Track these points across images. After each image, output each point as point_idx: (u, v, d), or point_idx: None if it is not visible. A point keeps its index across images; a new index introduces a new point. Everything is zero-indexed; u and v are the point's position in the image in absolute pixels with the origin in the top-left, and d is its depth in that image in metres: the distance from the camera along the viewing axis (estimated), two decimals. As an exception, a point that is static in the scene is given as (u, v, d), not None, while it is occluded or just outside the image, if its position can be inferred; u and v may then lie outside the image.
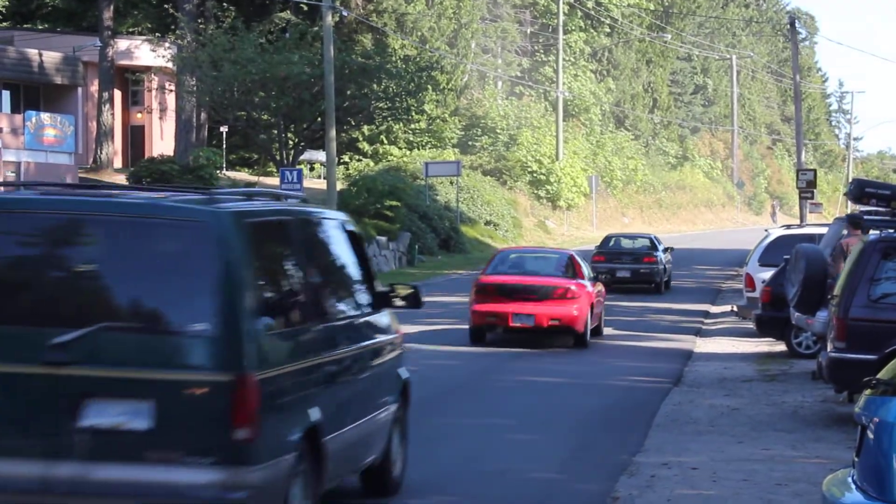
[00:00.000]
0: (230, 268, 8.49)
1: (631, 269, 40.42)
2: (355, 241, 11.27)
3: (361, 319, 10.91)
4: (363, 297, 11.16)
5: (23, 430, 8.39)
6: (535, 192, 77.73)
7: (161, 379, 8.33)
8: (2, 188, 10.09)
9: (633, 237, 44.77)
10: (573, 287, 25.18)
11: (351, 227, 11.33)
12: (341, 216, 11.51)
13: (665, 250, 41.90)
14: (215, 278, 8.46)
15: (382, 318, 11.48)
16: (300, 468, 9.02)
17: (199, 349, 8.43)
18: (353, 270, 11.13)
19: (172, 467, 8.27)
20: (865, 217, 21.86)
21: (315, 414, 9.26)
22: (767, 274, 25.59)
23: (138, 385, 8.34)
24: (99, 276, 8.67)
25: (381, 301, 11.39)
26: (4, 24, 70.62)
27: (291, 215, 10.03)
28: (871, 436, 7.99)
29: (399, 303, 11.46)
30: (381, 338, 11.31)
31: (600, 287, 27.74)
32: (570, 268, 26.24)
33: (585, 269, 26.72)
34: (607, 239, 43.30)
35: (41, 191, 9.52)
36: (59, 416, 8.33)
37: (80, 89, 59.67)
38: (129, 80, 66.90)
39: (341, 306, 10.65)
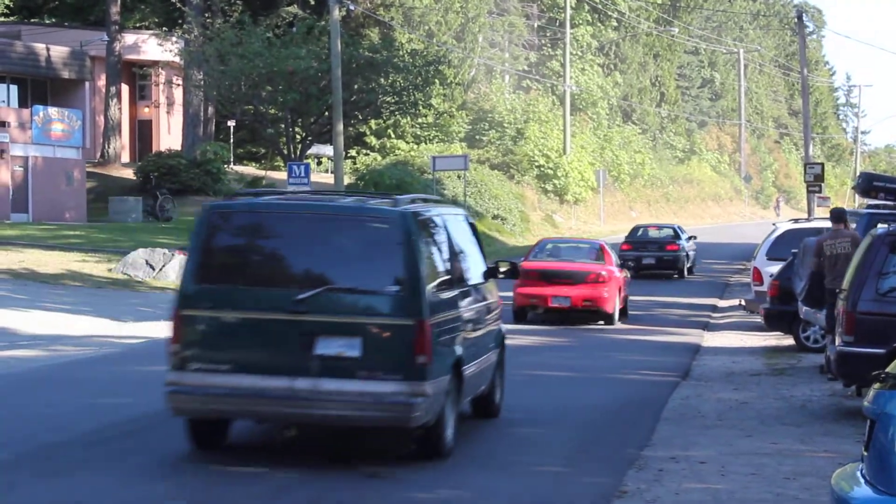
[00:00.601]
0: (410, 249, 12.48)
1: (656, 257, 44.26)
2: (473, 229, 15.55)
3: (480, 286, 14.95)
4: (480, 270, 15.19)
5: (275, 357, 12.38)
6: (543, 186, 77.71)
7: (367, 322, 12.33)
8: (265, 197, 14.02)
9: (659, 227, 48.82)
10: (603, 273, 28.94)
11: (470, 220, 15.66)
12: (463, 212, 15.75)
13: (689, 239, 45.54)
14: (401, 256, 12.44)
15: (490, 286, 15.57)
16: (451, 387, 13.05)
17: (393, 303, 12.38)
18: (474, 251, 15.20)
19: (375, 381, 12.22)
20: (872, 211, 21.87)
21: (459, 350, 13.35)
22: (775, 268, 25.59)
23: (352, 327, 12.31)
24: (325, 254, 12.72)
25: (489, 273, 15.57)
26: (12, 18, 70.65)
27: (440, 213, 14.10)
28: (880, 430, 7.98)
29: (501, 275, 15.94)
30: (490, 300, 15.37)
31: (626, 273, 31.40)
32: (601, 256, 30.15)
33: (614, 257, 30.68)
34: (635, 229, 47.35)
35: (287, 196, 14.11)
36: (300, 348, 12.30)
37: (87, 84, 59.75)
38: (137, 75, 66.97)
39: (469, 276, 14.59)
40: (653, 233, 46.72)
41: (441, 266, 13.44)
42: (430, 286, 12.62)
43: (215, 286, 12.66)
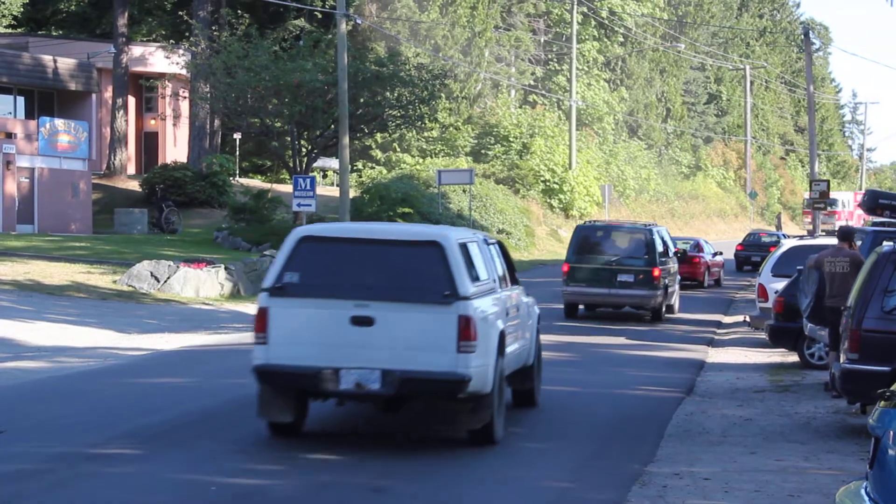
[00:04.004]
0: (652, 242, 33.18)
1: (761, 256, 54.05)
2: (668, 233, 37.60)
3: (672, 255, 35.93)
4: (672, 252, 36.41)
5: (601, 281, 33.06)
6: (548, 200, 77.71)
7: (636, 269, 32.95)
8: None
9: (769, 234, 62.74)
10: (697, 256, 47.27)
11: (666, 230, 38.52)
12: (664, 227, 38.49)
13: None
14: (649, 245, 33.14)
15: (675, 262, 36.52)
16: (664, 294, 33.92)
17: (645, 262, 32.94)
18: (670, 243, 36.52)
19: (638, 289, 32.93)
20: (877, 229, 21.85)
21: (666, 280, 33.85)
22: (780, 284, 25.58)
23: (630, 271, 32.91)
24: (618, 244, 33.82)
25: (675, 254, 37.40)
26: (19, 30, 70.80)
27: (660, 228, 35.70)
28: (885, 448, 7.98)
29: (677, 257, 38.04)
30: (675, 264, 36.43)
31: (718, 258, 49.38)
32: (698, 246, 48.39)
33: (706, 247, 49.15)
34: (749, 234, 63.10)
35: (595, 220, 40.85)
36: (610, 278, 33.05)
37: (94, 95, 59.82)
38: (143, 87, 67.02)
39: (670, 253, 35.55)
40: (762, 238, 60.06)
41: (661, 248, 33.71)
42: (658, 257, 32.67)
43: (580, 255, 32.95)
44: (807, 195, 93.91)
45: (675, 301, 35.69)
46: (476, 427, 14.55)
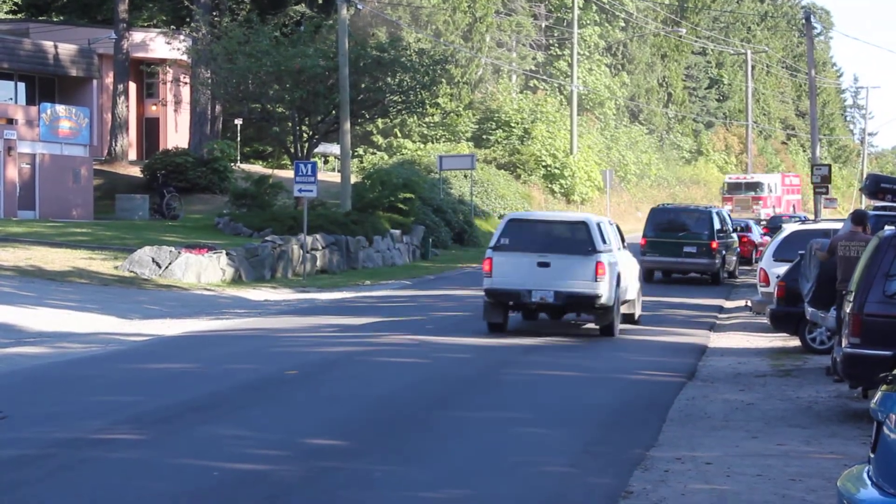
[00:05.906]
0: (711, 220, 41.55)
1: None
2: (729, 216, 46.89)
3: (733, 235, 44.79)
4: (730, 229, 44.22)
5: (671, 252, 41.18)
6: (549, 186, 77.67)
7: (698, 242, 41.04)
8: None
9: (790, 216, 64.61)
10: (746, 236, 51.14)
11: (727, 212, 49.31)
12: (723, 209, 50.56)
13: None
14: (709, 222, 41.41)
15: (734, 237, 45.11)
16: (721, 262, 42.07)
17: (706, 236, 41.06)
18: (729, 223, 45.12)
19: (700, 258, 41.30)
20: (879, 213, 21.81)
21: (724, 251, 42.19)
22: (782, 269, 25.54)
23: (693, 244, 40.94)
24: (684, 223, 41.59)
25: (733, 230, 45.39)
26: (20, 16, 70.71)
27: (720, 209, 46.01)
28: (887, 432, 7.98)
29: (735, 233, 46.46)
30: (734, 237, 45.16)
31: (767, 238, 49.28)
32: (747, 227, 52.93)
33: (755, 228, 54.43)
34: (773, 218, 66.78)
35: (666, 203, 47.44)
36: (678, 249, 41.05)
37: (95, 81, 59.72)
38: (144, 73, 66.95)
39: (729, 231, 44.03)
40: (784, 221, 63.88)
41: (720, 226, 41.64)
42: (716, 231, 40.89)
43: (654, 232, 40.89)
44: (728, 178, 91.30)
45: (735, 268, 44.95)
46: (605, 324, 25.52)
